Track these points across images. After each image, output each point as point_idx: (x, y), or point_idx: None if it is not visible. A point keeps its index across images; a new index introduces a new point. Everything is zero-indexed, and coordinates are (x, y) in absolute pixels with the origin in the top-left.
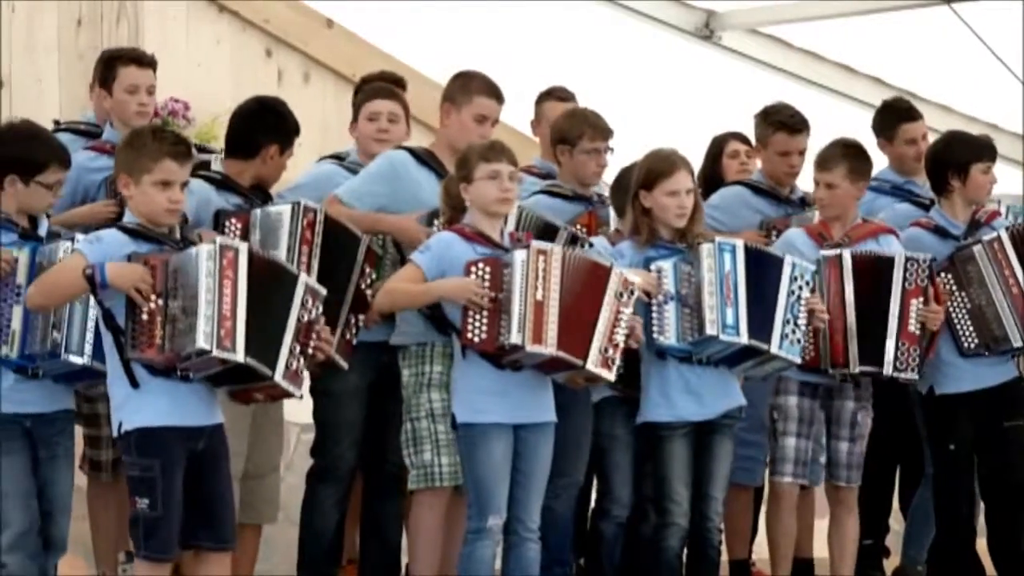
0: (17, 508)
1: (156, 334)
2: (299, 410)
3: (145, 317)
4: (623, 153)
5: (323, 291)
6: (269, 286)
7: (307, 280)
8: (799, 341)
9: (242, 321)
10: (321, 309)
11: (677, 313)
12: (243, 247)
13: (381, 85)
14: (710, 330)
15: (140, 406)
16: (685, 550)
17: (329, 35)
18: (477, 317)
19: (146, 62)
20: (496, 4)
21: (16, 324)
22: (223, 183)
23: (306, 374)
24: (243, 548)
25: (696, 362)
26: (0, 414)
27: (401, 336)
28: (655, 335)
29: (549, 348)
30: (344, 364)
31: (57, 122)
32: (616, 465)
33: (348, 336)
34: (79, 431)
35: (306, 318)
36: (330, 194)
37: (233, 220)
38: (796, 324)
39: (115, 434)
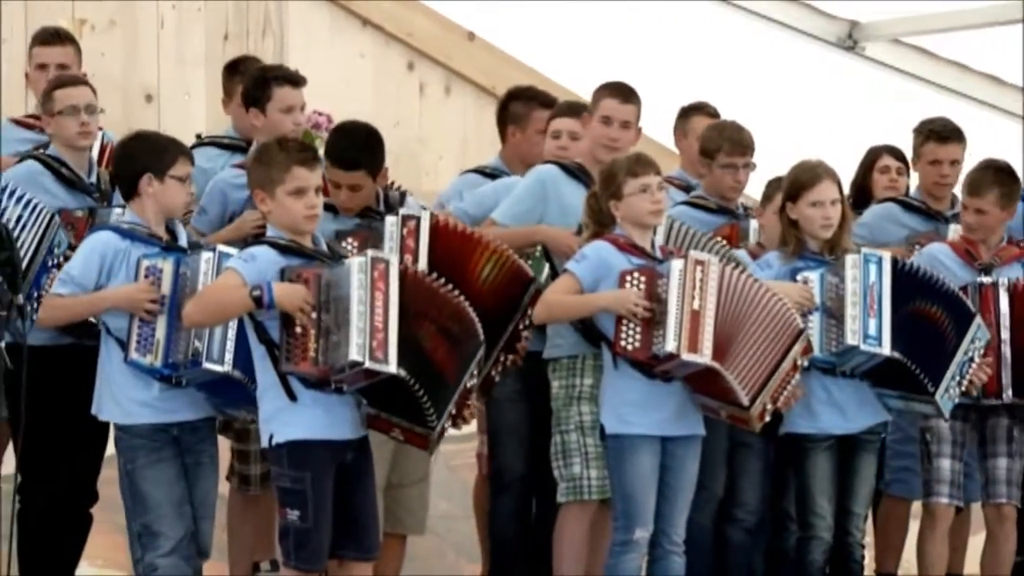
0: (172, 516)
1: (310, 347)
2: None
3: (299, 331)
4: (770, 165)
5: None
6: (458, 326)
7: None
8: (955, 399)
9: (394, 333)
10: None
11: (822, 324)
12: (394, 259)
13: (567, 102)
14: (851, 340)
15: (292, 419)
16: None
17: (470, 48)
18: (631, 326)
19: (301, 83)
20: (636, 16)
21: (160, 334)
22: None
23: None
24: (387, 558)
25: (839, 374)
26: (149, 424)
27: (554, 349)
28: None
29: (704, 357)
30: (478, 405)
31: (199, 135)
32: (745, 471)
33: (493, 373)
34: (223, 442)
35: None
36: (488, 218)
37: (349, 239)
38: (960, 382)
39: (265, 446)
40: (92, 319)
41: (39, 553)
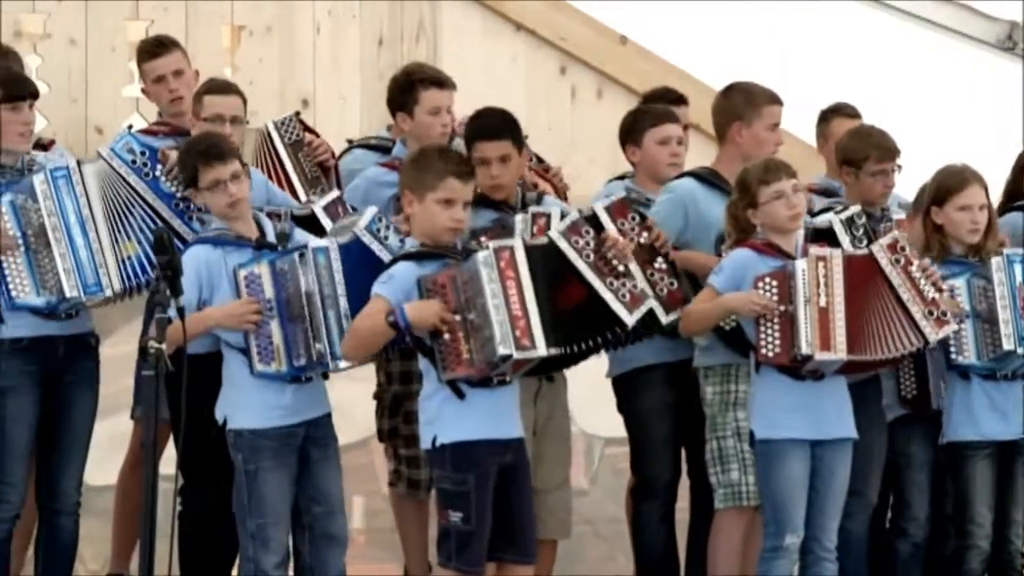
0: (283, 525)
1: (462, 349)
2: (602, 424)
3: (447, 337)
4: (919, 170)
5: (575, 216)
6: (545, 267)
7: (556, 230)
8: None
9: (535, 315)
10: (591, 232)
11: (975, 330)
12: (517, 243)
13: (665, 109)
14: (1007, 345)
15: (456, 420)
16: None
17: (623, 52)
18: (770, 331)
19: (447, 84)
20: (787, 17)
21: (277, 339)
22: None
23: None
24: (540, 562)
25: (1001, 378)
26: (281, 428)
27: (709, 357)
28: (954, 355)
29: (839, 354)
30: (675, 316)
31: (350, 141)
32: (913, 483)
33: (666, 289)
34: (377, 449)
35: (591, 254)
36: None
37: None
38: None
39: (427, 447)
40: None
41: (198, 553)
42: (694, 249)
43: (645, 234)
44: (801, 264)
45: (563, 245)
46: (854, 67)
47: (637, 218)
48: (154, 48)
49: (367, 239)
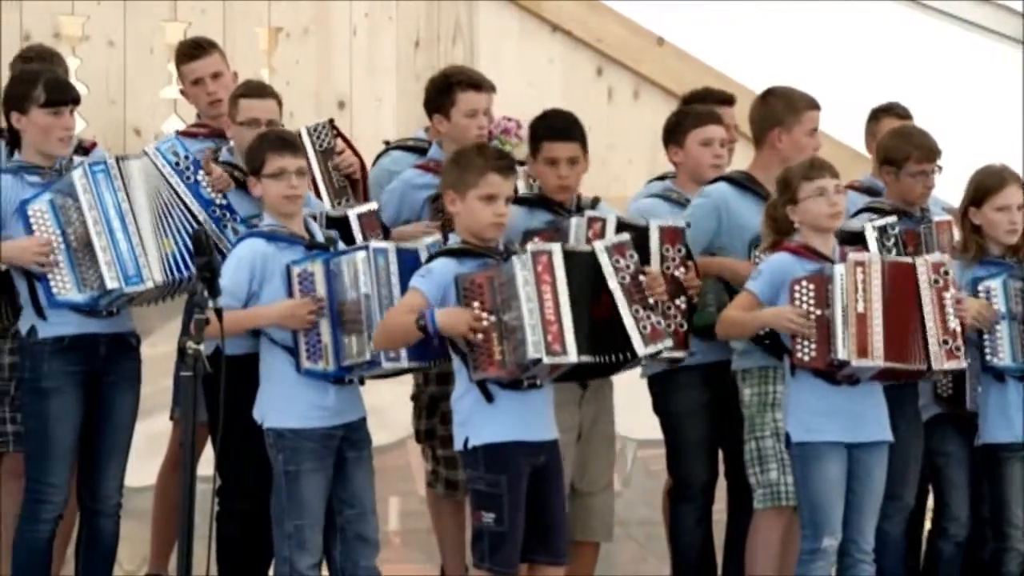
0: (318, 527)
1: (495, 351)
2: (635, 426)
3: (481, 337)
4: (958, 170)
5: (625, 237)
6: (582, 274)
7: (602, 243)
8: None
9: (569, 321)
10: (635, 256)
11: (1010, 331)
12: (555, 248)
13: (709, 110)
14: None
15: (487, 422)
16: None
17: (660, 53)
18: (804, 337)
19: (485, 86)
20: (823, 17)
21: (326, 339)
22: (535, 202)
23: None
24: (581, 564)
25: None
26: (322, 429)
27: (744, 361)
28: (989, 357)
29: (876, 360)
30: (682, 354)
31: (387, 142)
32: (951, 483)
33: (674, 326)
34: (414, 450)
35: (627, 278)
36: None
37: (537, 238)
38: None
39: (459, 449)
40: None
41: (235, 553)
42: (727, 254)
43: (682, 270)
44: (840, 269)
45: (603, 260)
46: (892, 67)
47: (683, 251)
48: (192, 50)
49: (424, 256)
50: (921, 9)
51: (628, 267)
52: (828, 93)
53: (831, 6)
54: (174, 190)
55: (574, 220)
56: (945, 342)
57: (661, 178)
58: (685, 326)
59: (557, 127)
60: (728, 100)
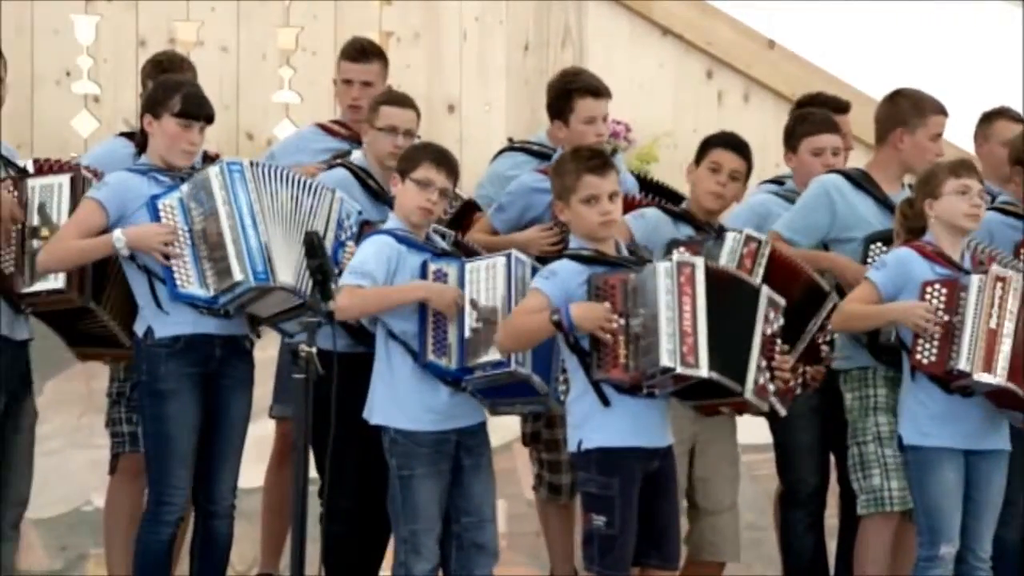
0: (434, 532)
1: (620, 354)
2: (739, 431)
3: (609, 338)
4: None
5: (782, 301)
6: (730, 299)
7: (768, 292)
8: None
9: (704, 336)
10: (782, 322)
11: None
12: (699, 262)
13: (825, 117)
14: None
15: (602, 425)
16: None
17: (770, 56)
18: (927, 339)
19: (603, 93)
20: (936, 18)
21: (452, 338)
22: (680, 215)
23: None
24: None
25: None
26: (434, 432)
27: (845, 361)
28: None
29: (998, 379)
30: (782, 411)
31: (510, 139)
32: None
33: (792, 384)
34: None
35: (769, 331)
36: (771, 231)
37: (681, 249)
38: None
39: (573, 450)
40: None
41: (342, 553)
42: (838, 248)
43: (824, 346)
44: (977, 280)
45: (762, 304)
46: (1001, 69)
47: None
48: (356, 52)
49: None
50: None
51: (773, 324)
52: (940, 94)
53: (945, 6)
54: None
55: (731, 234)
56: None
57: (778, 182)
58: (800, 391)
59: (733, 139)
60: (843, 108)
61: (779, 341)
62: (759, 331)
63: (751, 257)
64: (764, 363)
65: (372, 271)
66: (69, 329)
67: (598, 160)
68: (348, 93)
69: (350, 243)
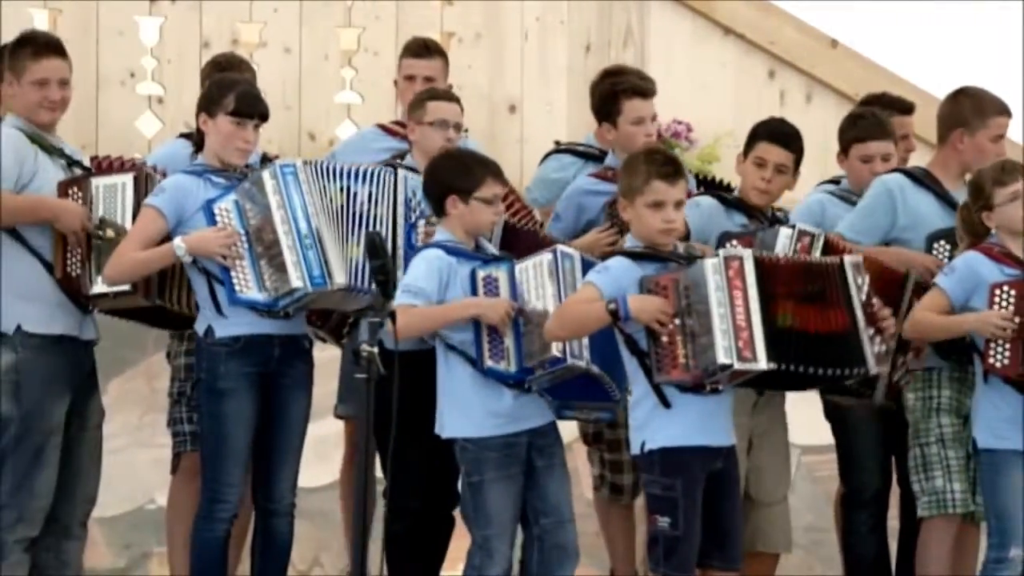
0: (507, 535)
1: (679, 354)
2: (800, 431)
3: (665, 339)
4: None
5: (859, 258)
6: (816, 285)
7: (851, 259)
8: None
9: (759, 328)
10: (867, 277)
11: None
12: (747, 254)
13: (875, 122)
14: None
15: (665, 425)
16: None
17: (833, 56)
18: (1000, 342)
19: (650, 92)
20: (1004, 17)
21: (508, 341)
22: (734, 203)
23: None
24: (760, 574)
25: None
26: (502, 436)
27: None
28: None
29: None
30: (880, 400)
31: (557, 142)
32: None
33: (895, 378)
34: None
35: (864, 296)
36: (834, 232)
37: (734, 242)
38: None
39: (636, 452)
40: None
41: (405, 553)
42: (904, 246)
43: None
44: None
45: (849, 274)
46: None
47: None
48: (418, 48)
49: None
50: None
51: (862, 287)
52: (1006, 94)
53: (1010, 5)
54: (394, 217)
55: (784, 230)
56: None
57: (835, 182)
58: (900, 384)
59: (778, 131)
60: (907, 109)
61: (874, 301)
62: (857, 303)
63: (804, 252)
64: (872, 331)
65: (424, 288)
66: (149, 319)
67: (670, 167)
68: (411, 89)
69: (421, 223)
